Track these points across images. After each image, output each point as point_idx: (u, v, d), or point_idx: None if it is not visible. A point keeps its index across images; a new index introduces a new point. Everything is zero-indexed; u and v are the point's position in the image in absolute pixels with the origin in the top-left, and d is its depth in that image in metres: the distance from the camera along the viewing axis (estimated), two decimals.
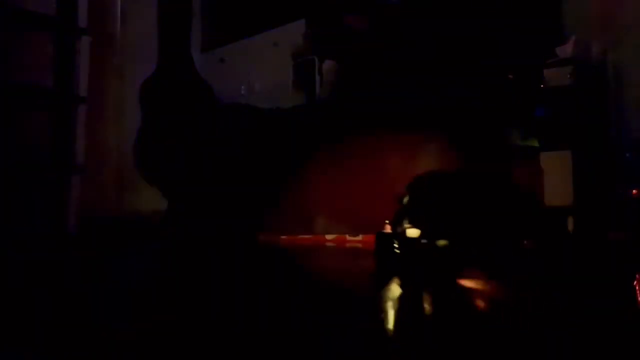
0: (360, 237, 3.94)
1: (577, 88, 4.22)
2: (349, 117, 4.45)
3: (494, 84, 4.46)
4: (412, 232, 1.72)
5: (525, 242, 2.31)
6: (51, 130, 3.55)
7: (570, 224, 3.98)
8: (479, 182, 2.14)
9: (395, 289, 1.71)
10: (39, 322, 1.46)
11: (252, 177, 4.08)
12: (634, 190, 3.83)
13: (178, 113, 4.07)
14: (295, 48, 5.97)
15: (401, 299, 1.55)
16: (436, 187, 1.96)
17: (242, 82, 6.80)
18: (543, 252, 2.99)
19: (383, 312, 1.40)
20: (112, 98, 5.09)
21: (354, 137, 4.31)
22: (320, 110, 5.00)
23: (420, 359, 0.98)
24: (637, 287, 1.90)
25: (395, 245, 1.79)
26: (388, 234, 1.98)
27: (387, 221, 2.03)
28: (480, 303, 1.53)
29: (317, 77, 5.62)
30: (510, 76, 4.51)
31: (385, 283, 1.80)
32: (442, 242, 1.76)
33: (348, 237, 4.10)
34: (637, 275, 2.11)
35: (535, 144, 4.37)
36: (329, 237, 4.34)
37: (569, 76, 4.20)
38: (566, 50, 4.30)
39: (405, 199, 1.88)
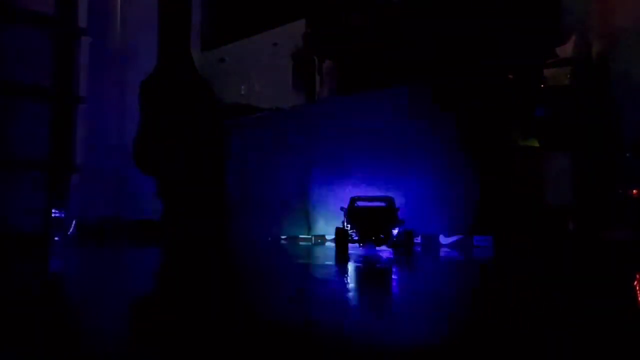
0: None
1: (577, 88, 4.22)
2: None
3: (494, 84, 4.45)
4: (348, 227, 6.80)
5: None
6: (51, 130, 3.55)
7: (570, 223, 3.98)
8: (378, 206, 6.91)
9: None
10: (39, 322, 1.45)
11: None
12: (634, 190, 3.83)
13: (178, 113, 4.06)
14: (295, 48, 5.97)
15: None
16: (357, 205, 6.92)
17: (242, 82, 6.80)
18: (543, 252, 2.98)
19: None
20: (112, 98, 5.08)
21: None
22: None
23: None
24: (637, 287, 1.89)
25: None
26: (342, 228, 6.52)
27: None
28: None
29: (317, 77, 5.61)
30: (510, 76, 4.50)
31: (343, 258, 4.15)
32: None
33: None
34: (637, 275, 2.10)
35: (536, 144, 4.36)
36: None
37: (569, 76, 4.20)
38: (566, 50, 4.30)
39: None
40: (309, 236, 10.12)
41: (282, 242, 10.15)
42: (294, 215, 10.12)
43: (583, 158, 4.22)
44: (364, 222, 6.21)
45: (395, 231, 6.09)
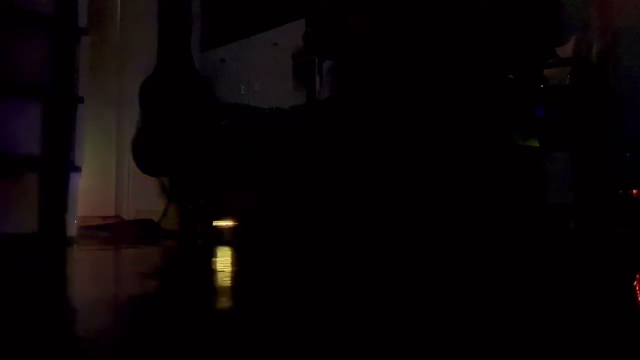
0: None
1: (577, 88, 4.22)
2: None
3: (494, 84, 4.45)
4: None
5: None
6: (51, 130, 3.55)
7: (570, 223, 3.99)
8: None
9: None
10: (39, 322, 1.46)
11: None
12: (634, 190, 3.83)
13: (178, 113, 4.07)
14: (295, 48, 5.98)
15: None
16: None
17: (242, 82, 6.80)
18: (544, 250, 2.98)
19: None
20: (112, 98, 5.09)
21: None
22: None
23: None
24: (637, 287, 1.89)
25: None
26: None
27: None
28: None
29: (317, 77, 5.62)
30: (510, 76, 4.50)
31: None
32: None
33: None
34: (637, 275, 2.11)
35: (536, 144, 4.37)
36: None
37: (568, 76, 4.20)
38: (566, 50, 4.30)
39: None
40: None
41: None
42: None
43: (583, 158, 4.22)
44: None
45: None
